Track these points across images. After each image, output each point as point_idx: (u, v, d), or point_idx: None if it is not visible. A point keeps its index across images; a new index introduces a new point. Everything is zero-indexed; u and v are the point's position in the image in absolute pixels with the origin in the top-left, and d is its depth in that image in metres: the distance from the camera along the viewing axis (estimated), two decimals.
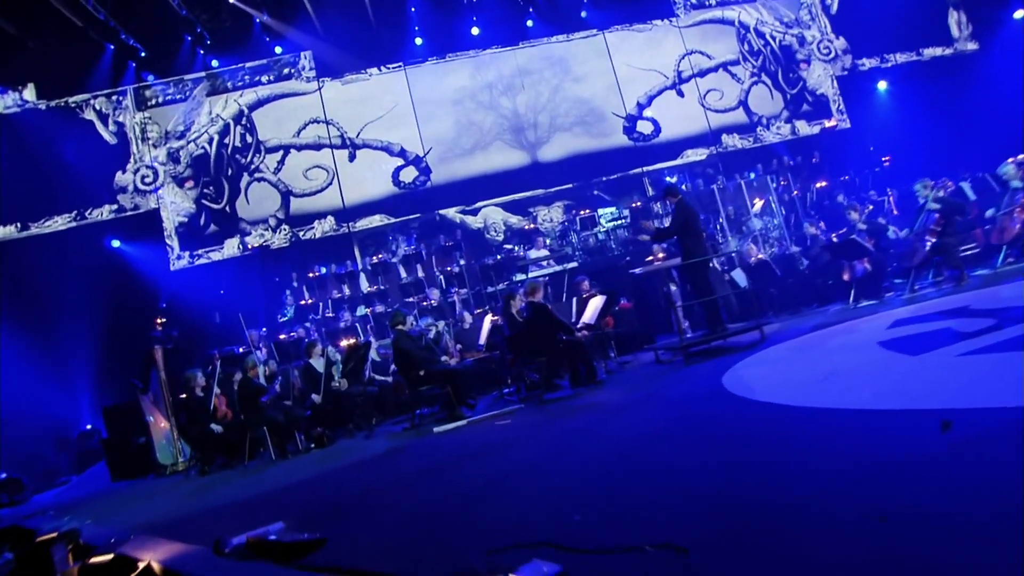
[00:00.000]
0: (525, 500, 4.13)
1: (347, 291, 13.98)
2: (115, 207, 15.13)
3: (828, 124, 16.03)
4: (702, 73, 16.44)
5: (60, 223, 14.97)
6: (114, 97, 15.46)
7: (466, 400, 8.63)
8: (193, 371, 9.57)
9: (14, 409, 12.46)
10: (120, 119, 15.46)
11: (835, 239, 9.78)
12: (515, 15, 16.17)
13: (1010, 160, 9.42)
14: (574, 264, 12.30)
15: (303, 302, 13.90)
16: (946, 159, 13.66)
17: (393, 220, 15.60)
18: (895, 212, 12.07)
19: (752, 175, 13.38)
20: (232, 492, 7.29)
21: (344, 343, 10.66)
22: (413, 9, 15.68)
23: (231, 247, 15.24)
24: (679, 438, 4.83)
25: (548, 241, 13.71)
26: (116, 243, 14.96)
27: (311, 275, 14.40)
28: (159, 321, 13.61)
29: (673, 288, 11.88)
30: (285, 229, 15.41)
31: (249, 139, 15.67)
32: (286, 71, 15.91)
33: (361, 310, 13.34)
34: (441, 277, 13.63)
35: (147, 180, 15.33)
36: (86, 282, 13.90)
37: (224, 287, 14.71)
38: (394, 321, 8.75)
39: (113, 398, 12.29)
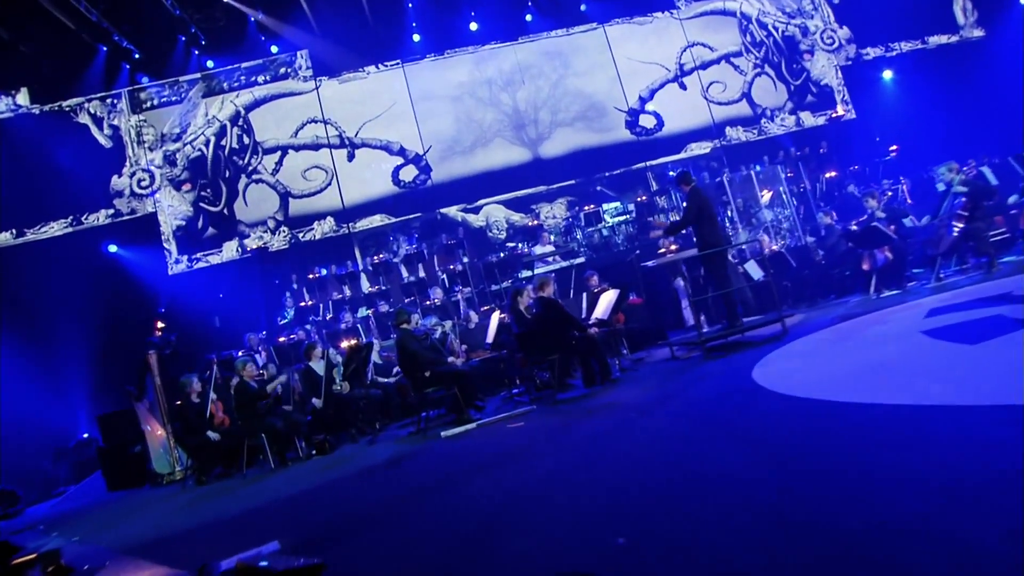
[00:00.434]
0: (553, 519, 3.52)
1: (348, 292, 13.37)
2: (111, 212, 14.53)
3: (836, 114, 15.41)
4: (704, 65, 15.83)
5: (56, 229, 14.38)
6: (108, 100, 14.86)
7: (474, 402, 8.00)
8: (188, 377, 8.94)
9: (11, 418, 11.95)
10: (115, 122, 14.85)
11: (855, 227, 9.17)
12: (514, 9, 15.57)
13: None
14: (581, 260, 11.68)
15: (303, 304, 13.29)
16: (953, 147, 13.05)
17: (394, 220, 14.98)
18: (909, 201, 11.47)
19: (758, 168, 12.75)
20: (228, 505, 6.68)
21: (345, 344, 10.02)
22: (411, 5, 15.08)
23: (230, 250, 14.63)
24: (723, 441, 4.21)
25: (553, 237, 13.09)
26: (113, 248, 14.37)
27: (311, 276, 13.79)
28: (159, 326, 12.99)
29: (681, 283, 11.31)
30: (284, 231, 14.79)
31: (246, 140, 15.06)
32: (282, 71, 15.30)
33: (363, 311, 12.73)
34: (444, 276, 13.01)
35: (143, 184, 14.72)
36: (83, 288, 13.38)
37: (223, 291, 14.13)
38: (398, 319, 8.11)
39: (110, 406, 11.68)
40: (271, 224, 14.79)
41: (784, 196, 12.15)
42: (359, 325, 12.17)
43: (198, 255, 14.59)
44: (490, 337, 8.49)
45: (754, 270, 10.19)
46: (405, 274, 13.65)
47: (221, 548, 4.88)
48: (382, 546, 3.87)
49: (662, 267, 11.24)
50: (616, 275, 10.74)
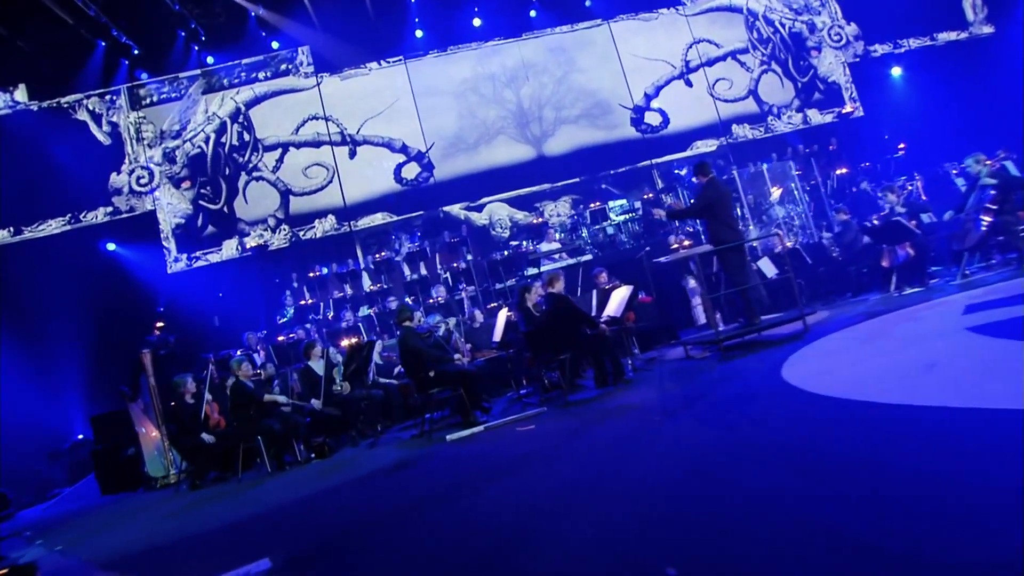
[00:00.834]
0: (579, 537, 3.01)
1: (349, 291, 12.85)
2: (110, 209, 14.01)
3: (846, 110, 14.89)
4: (710, 62, 15.31)
5: (54, 227, 13.87)
6: (107, 97, 14.34)
7: (480, 403, 7.49)
8: (182, 376, 8.41)
9: (6, 419, 11.44)
10: (114, 119, 14.34)
11: (875, 222, 8.66)
12: (518, 5, 15.04)
13: None
14: (589, 257, 11.17)
15: (303, 302, 12.77)
16: (963, 144, 12.55)
17: (396, 218, 14.46)
18: (923, 197, 10.97)
19: (765, 165, 12.21)
20: (221, 512, 6.16)
21: (345, 343, 9.49)
22: (413, 0, 14.55)
23: (230, 248, 14.10)
24: (762, 447, 3.70)
25: (559, 235, 12.57)
26: (111, 246, 13.84)
27: (312, 275, 13.26)
28: (158, 325, 12.47)
29: (691, 282, 10.80)
30: (285, 229, 14.27)
31: (247, 137, 14.54)
32: (283, 67, 14.79)
33: (364, 310, 12.21)
34: (447, 275, 12.50)
35: (142, 181, 14.20)
36: (81, 287, 12.89)
37: (223, 289, 13.60)
38: (400, 317, 7.57)
39: (106, 406, 11.15)
40: (271, 222, 14.28)
41: (796, 192, 11.63)
42: (360, 324, 11.65)
43: (197, 253, 14.07)
44: (497, 335, 7.93)
45: (767, 267, 9.68)
46: (407, 272, 13.15)
47: (210, 562, 4.39)
48: (384, 564, 3.36)
49: (671, 265, 10.75)
50: (624, 273, 10.23)
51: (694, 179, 7.96)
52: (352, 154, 14.61)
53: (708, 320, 8.97)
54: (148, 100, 14.49)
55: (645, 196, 13.36)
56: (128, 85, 14.40)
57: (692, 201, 8.29)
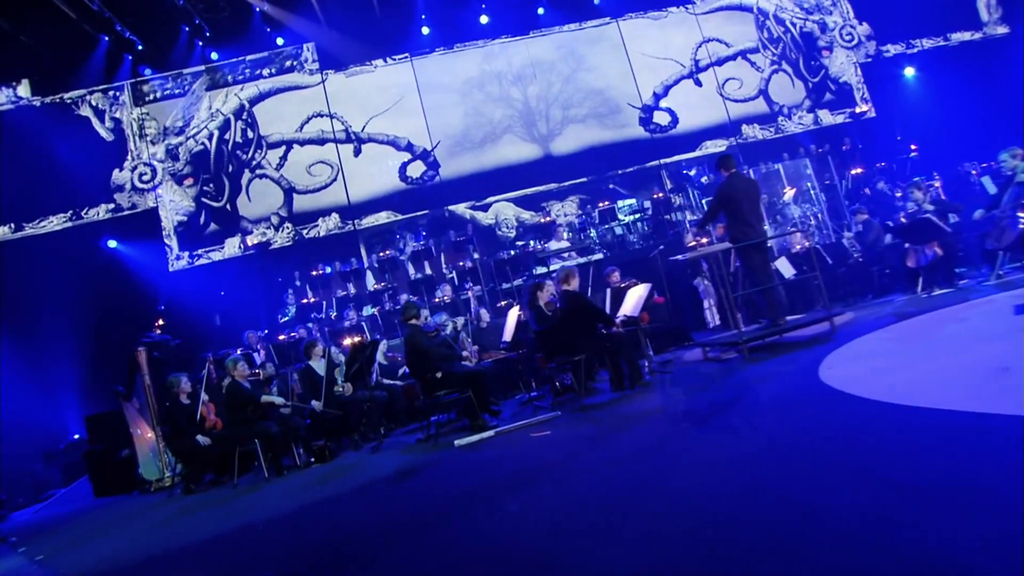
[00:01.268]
0: (622, 565, 2.45)
1: (352, 289, 12.32)
2: (112, 206, 13.51)
3: (859, 110, 14.33)
4: (720, 61, 14.76)
5: (55, 223, 13.37)
6: (110, 93, 13.85)
7: (490, 406, 6.94)
8: (176, 376, 7.85)
9: (3, 418, 10.99)
10: (117, 115, 13.83)
11: (903, 220, 8.12)
12: (526, 3, 14.49)
13: None
14: (600, 256, 10.63)
15: (305, 301, 12.22)
16: (978, 145, 12.04)
17: (400, 217, 13.91)
18: (943, 197, 10.41)
19: (779, 164, 11.68)
20: (213, 521, 5.61)
21: (348, 342, 8.93)
22: None
23: (232, 246, 13.58)
24: (815, 457, 3.16)
25: (567, 234, 12.01)
26: (113, 243, 13.34)
27: (314, 273, 12.73)
28: (159, 323, 11.93)
29: (704, 283, 10.26)
30: (288, 227, 13.74)
31: (250, 134, 14.02)
32: (288, 63, 14.27)
33: (368, 309, 11.67)
34: (453, 274, 11.96)
35: (145, 178, 13.69)
36: (81, 284, 12.43)
37: (225, 288, 13.08)
38: (406, 314, 7.01)
39: (104, 406, 10.61)
40: (275, 220, 13.75)
41: (812, 192, 11.09)
42: (364, 323, 11.11)
43: (199, 251, 13.55)
44: (507, 335, 7.36)
45: (785, 267, 9.13)
46: (412, 271, 12.62)
47: None
48: None
49: (683, 265, 10.23)
50: (635, 272, 9.72)
51: (721, 171, 7.41)
52: (357, 152, 14.09)
53: (729, 321, 8.43)
54: (151, 96, 13.99)
55: (655, 196, 12.81)
56: (131, 81, 13.92)
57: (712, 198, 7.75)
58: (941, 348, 4.91)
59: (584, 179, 14.17)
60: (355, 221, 13.79)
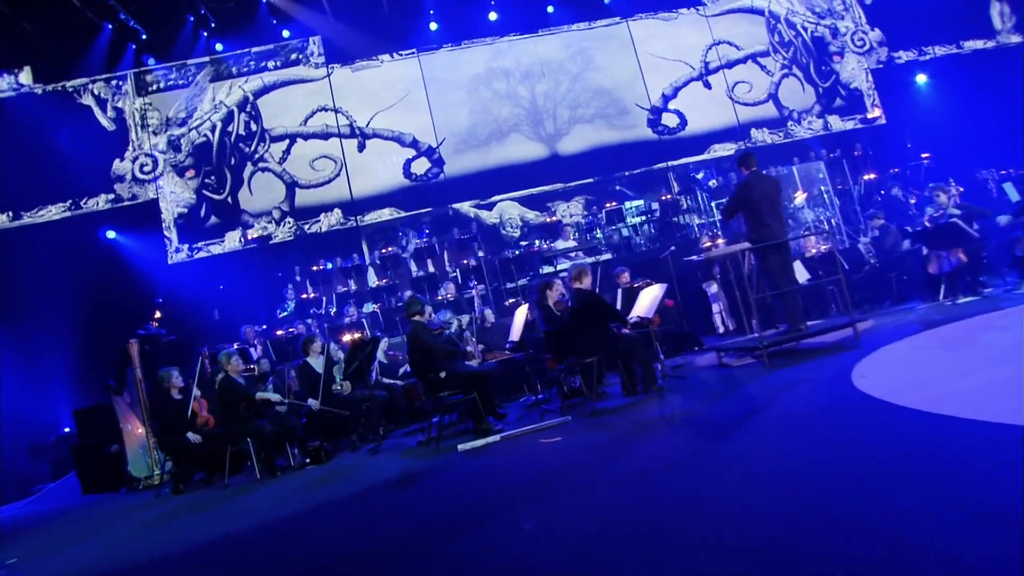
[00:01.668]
0: None
1: (353, 286, 11.86)
2: (112, 197, 13.06)
3: (871, 115, 13.89)
4: (730, 64, 14.31)
5: (54, 212, 12.92)
6: (113, 82, 13.40)
7: (495, 409, 6.47)
8: (167, 370, 7.36)
9: None
10: (119, 105, 13.38)
11: (927, 224, 7.67)
12: (535, 0, 14.07)
13: None
14: (608, 256, 10.18)
15: (305, 296, 11.75)
16: (989, 154, 11.63)
17: (403, 214, 13.46)
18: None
19: (795, 167, 11.23)
20: (198, 527, 5.15)
21: (348, 338, 8.45)
22: None
23: (232, 240, 13.12)
24: (872, 473, 2.71)
25: (575, 234, 11.56)
26: (111, 234, 12.87)
27: (315, 269, 12.26)
28: (156, 316, 11.46)
29: (714, 287, 9.80)
30: (290, 222, 13.27)
31: (254, 127, 13.57)
32: (294, 56, 13.82)
33: (369, 306, 11.20)
34: (457, 272, 11.50)
35: (146, 169, 13.23)
36: (79, 275, 12.00)
37: (224, 282, 12.61)
38: (410, 310, 6.53)
39: (95, 400, 10.12)
40: (276, 214, 13.29)
41: (826, 197, 10.65)
42: (364, 320, 10.64)
43: (199, 244, 13.10)
44: (515, 334, 6.86)
45: (800, 272, 8.67)
46: (414, 268, 12.16)
47: None
48: None
49: (692, 268, 9.79)
50: (644, 274, 9.27)
51: (741, 169, 6.96)
52: (361, 147, 13.64)
53: (744, 326, 7.99)
54: (155, 86, 13.54)
55: (663, 197, 12.37)
56: (135, 70, 13.48)
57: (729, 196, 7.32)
58: (987, 357, 4.46)
59: (590, 180, 13.74)
60: (357, 217, 13.35)
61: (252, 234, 13.11)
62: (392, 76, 13.87)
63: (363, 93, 13.78)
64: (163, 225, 13.10)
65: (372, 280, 12.12)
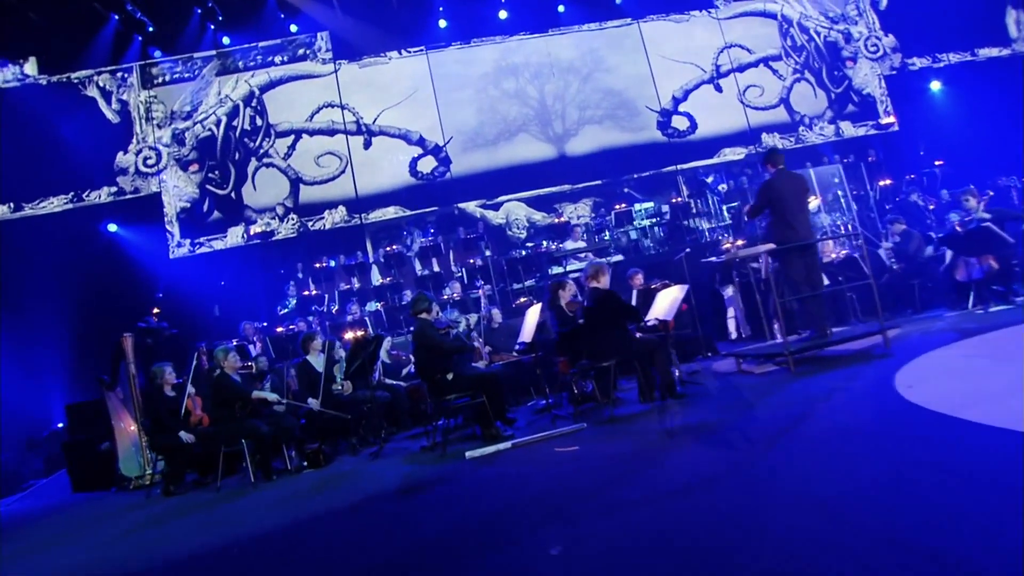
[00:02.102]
0: None
1: (356, 284, 11.40)
2: (114, 190, 12.66)
3: (885, 121, 13.45)
4: (742, 68, 13.86)
5: (56, 204, 12.52)
6: (118, 74, 12.99)
7: (505, 414, 6.00)
8: (160, 365, 6.91)
9: None
10: (124, 97, 12.97)
11: (958, 228, 7.22)
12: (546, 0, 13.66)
13: None
14: (619, 257, 9.73)
15: (306, 293, 11.30)
16: (1005, 162, 11.19)
17: (409, 213, 13.02)
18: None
19: (812, 170, 10.77)
20: (185, 534, 4.68)
21: (350, 335, 7.98)
22: None
23: (235, 236, 12.69)
24: (945, 492, 2.24)
25: (583, 235, 11.10)
26: (113, 227, 12.46)
27: (317, 266, 11.81)
28: (155, 311, 11.01)
29: (730, 291, 9.34)
30: (293, 218, 12.83)
31: (259, 122, 13.15)
32: (301, 51, 13.39)
33: (372, 305, 10.74)
34: (463, 271, 11.04)
35: (149, 162, 12.81)
36: (80, 268, 11.64)
37: (226, 278, 12.18)
38: (416, 307, 6.05)
39: (89, 395, 9.66)
40: (280, 211, 12.86)
41: (842, 202, 10.21)
42: (367, 318, 10.18)
43: (201, 239, 12.66)
44: (527, 335, 6.37)
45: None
46: (419, 267, 11.70)
47: None
48: None
49: (706, 272, 9.34)
50: (656, 276, 8.82)
51: (767, 167, 6.51)
52: (367, 144, 13.21)
53: (765, 331, 7.52)
54: (160, 79, 13.13)
55: (673, 200, 11.92)
56: (140, 63, 13.09)
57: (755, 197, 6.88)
58: None
59: (599, 181, 13.31)
60: (362, 215, 12.91)
61: (255, 230, 12.68)
62: (400, 73, 13.45)
63: (370, 90, 13.36)
64: (165, 219, 12.68)
65: (375, 278, 11.67)
